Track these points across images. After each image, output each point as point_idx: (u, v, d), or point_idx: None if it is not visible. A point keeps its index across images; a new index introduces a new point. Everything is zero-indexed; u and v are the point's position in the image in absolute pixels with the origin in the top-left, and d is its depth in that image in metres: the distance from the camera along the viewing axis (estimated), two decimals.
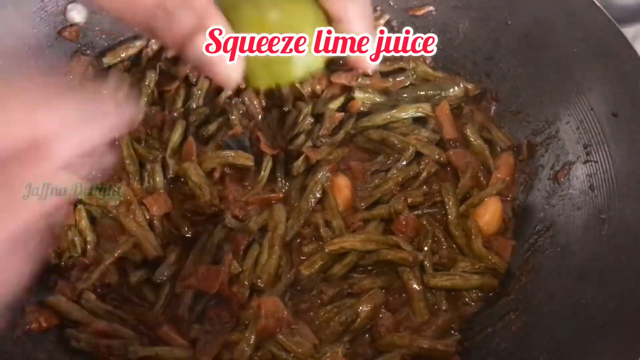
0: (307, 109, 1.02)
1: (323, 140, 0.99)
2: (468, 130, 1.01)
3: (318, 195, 0.94)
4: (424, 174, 0.97)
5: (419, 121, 1.05)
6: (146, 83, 1.02)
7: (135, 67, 1.06)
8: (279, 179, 0.96)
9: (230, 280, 0.85)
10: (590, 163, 0.89)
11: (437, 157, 0.99)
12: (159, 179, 0.94)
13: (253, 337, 0.79)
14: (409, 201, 0.94)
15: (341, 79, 1.07)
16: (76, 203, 0.92)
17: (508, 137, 1.02)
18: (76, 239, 0.88)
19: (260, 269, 0.86)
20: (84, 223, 0.89)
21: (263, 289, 0.85)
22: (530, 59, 1.01)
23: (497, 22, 1.04)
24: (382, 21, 1.13)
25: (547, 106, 0.98)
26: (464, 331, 0.86)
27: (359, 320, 0.83)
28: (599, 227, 0.82)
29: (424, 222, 0.93)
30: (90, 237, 0.89)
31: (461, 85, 1.06)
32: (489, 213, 0.94)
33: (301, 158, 0.96)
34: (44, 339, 0.80)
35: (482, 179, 0.99)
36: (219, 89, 1.06)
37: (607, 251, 0.80)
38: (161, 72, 1.04)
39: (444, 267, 0.90)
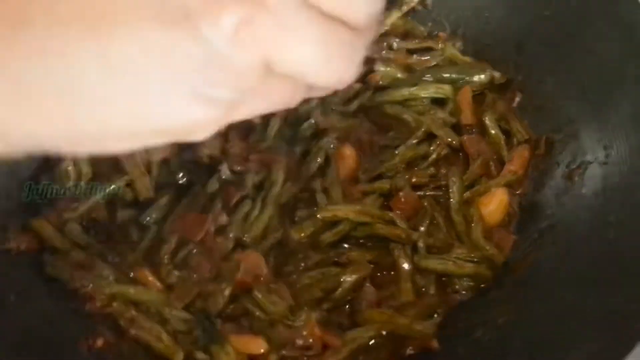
0: None
1: (334, 108, 0.96)
2: (487, 118, 0.97)
3: (319, 161, 0.91)
4: (434, 155, 0.94)
5: (438, 103, 1.01)
6: None
7: None
8: (284, 141, 0.94)
9: (217, 231, 0.83)
10: (607, 165, 0.84)
11: (449, 140, 0.95)
12: None
13: (229, 289, 0.77)
14: (414, 180, 0.91)
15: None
16: None
17: (527, 130, 0.97)
18: (70, 168, 0.86)
19: (249, 224, 0.84)
20: None
21: (248, 245, 0.83)
22: (563, 54, 0.96)
23: (534, 12, 1.00)
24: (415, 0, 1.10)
25: (573, 103, 0.93)
26: (448, 318, 0.82)
27: (340, 289, 0.80)
28: (605, 231, 0.78)
29: (425, 203, 0.89)
30: (85, 169, 0.87)
31: (487, 73, 1.02)
32: (494, 203, 0.90)
33: (309, 122, 0.94)
34: (21, 261, 0.80)
35: (493, 168, 0.95)
36: None
37: (610, 256, 0.76)
38: None
39: (438, 251, 0.87)
